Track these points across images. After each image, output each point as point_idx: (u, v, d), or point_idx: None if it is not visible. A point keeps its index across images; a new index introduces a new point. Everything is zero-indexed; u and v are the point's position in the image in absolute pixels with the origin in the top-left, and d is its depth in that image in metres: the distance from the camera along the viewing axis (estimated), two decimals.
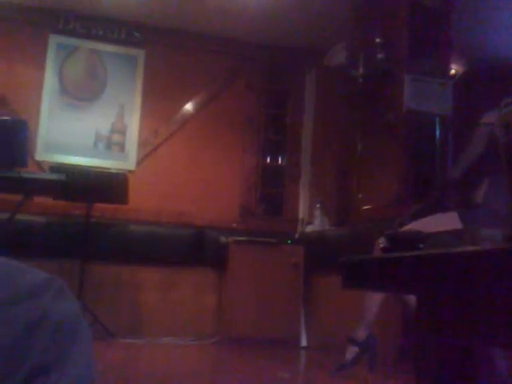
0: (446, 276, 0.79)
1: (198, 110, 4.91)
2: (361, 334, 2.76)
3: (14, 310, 0.51)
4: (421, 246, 0.84)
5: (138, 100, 4.75)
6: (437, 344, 0.84)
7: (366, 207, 4.23)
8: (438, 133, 3.88)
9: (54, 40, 4.63)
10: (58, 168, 4.01)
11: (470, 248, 0.80)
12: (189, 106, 4.91)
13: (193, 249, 4.56)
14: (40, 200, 4.09)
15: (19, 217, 3.71)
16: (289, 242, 4.53)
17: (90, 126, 4.63)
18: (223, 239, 4.42)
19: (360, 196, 4.34)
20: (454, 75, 4.28)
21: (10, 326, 0.50)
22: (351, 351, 2.76)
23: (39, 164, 4.44)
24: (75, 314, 0.55)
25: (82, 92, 4.67)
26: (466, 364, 0.81)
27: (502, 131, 0.71)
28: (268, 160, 5.11)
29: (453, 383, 0.80)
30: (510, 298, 0.74)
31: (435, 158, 3.87)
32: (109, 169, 4.55)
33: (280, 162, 5.14)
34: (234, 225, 4.77)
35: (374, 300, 2.69)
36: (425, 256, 0.85)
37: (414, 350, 0.85)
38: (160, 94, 4.80)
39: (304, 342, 4.31)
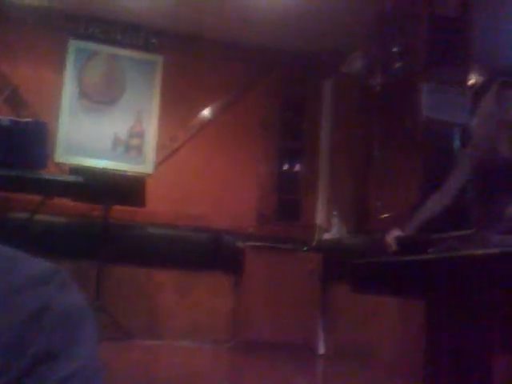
0: (454, 279, 0.79)
1: (216, 115, 4.95)
2: None
3: (17, 299, 0.50)
4: (430, 250, 0.85)
5: (155, 105, 4.81)
6: (447, 346, 0.84)
7: (383, 215, 4.21)
8: (456, 142, 3.86)
9: (73, 45, 4.72)
10: (77, 170, 4.07)
11: (480, 251, 0.81)
12: (206, 112, 4.95)
13: (209, 253, 4.58)
14: (60, 201, 4.15)
15: (39, 217, 3.77)
16: (304, 248, 4.52)
17: (108, 129, 4.70)
18: (240, 244, 4.44)
19: (378, 204, 4.33)
20: (473, 85, 4.25)
21: (13, 315, 0.49)
22: None
23: (59, 166, 4.51)
24: (79, 305, 0.54)
25: (101, 96, 4.75)
26: (478, 372, 0.81)
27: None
28: (286, 166, 5.12)
29: None
30: None
31: (453, 168, 3.84)
32: (127, 172, 4.60)
33: (297, 168, 5.14)
34: (251, 230, 4.78)
35: None
36: (434, 260, 0.86)
37: (424, 352, 0.85)
38: (178, 100, 4.84)
39: (322, 350, 4.29)
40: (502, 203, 2.10)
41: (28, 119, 3.57)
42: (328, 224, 4.86)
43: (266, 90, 5.05)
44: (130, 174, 4.57)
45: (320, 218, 5.03)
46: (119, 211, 4.25)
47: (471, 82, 3.93)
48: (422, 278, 0.79)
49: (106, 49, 4.79)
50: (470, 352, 0.82)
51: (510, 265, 0.70)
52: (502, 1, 4.01)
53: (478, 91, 4.21)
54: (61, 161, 4.55)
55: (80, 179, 3.57)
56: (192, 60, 4.89)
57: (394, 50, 3.87)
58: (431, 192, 3.74)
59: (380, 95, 4.24)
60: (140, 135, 4.77)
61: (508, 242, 0.77)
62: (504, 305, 0.76)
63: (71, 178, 3.68)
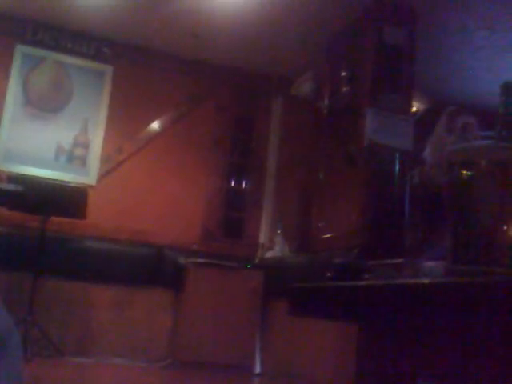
0: (387, 306, 0.81)
1: (165, 129, 4.91)
2: None
3: None
4: (366, 276, 0.87)
5: (103, 115, 4.72)
6: (376, 372, 0.86)
7: (326, 235, 4.28)
8: (397, 167, 3.98)
9: (20, 50, 4.58)
10: (15, 178, 3.93)
11: (411, 280, 0.83)
12: (155, 125, 4.90)
13: (150, 268, 4.50)
14: None
15: None
16: (248, 266, 4.52)
17: (52, 138, 4.57)
18: (182, 260, 4.38)
19: (320, 225, 4.40)
20: (416, 112, 4.42)
21: None
22: None
23: None
24: (6, 327, 0.53)
25: (47, 103, 4.62)
26: None
27: (444, 170, 0.74)
28: (232, 183, 5.13)
29: None
30: (450, 331, 0.77)
31: (394, 191, 3.96)
32: (69, 182, 4.48)
33: (244, 185, 5.16)
34: (195, 246, 4.74)
35: None
36: (367, 286, 0.87)
37: (354, 377, 0.86)
38: (126, 111, 4.78)
39: (258, 369, 4.28)
40: (435, 230, 2.19)
41: None
42: (271, 242, 4.89)
43: (215, 105, 5.06)
44: (71, 184, 4.44)
45: (264, 236, 5.05)
46: (58, 223, 4.12)
47: (414, 109, 4.08)
48: (356, 304, 0.80)
49: (54, 55, 4.67)
50: (396, 378, 0.84)
51: (437, 294, 0.72)
52: (447, 32, 4.20)
53: (421, 118, 4.38)
54: (0, 168, 4.38)
55: (18, 188, 3.44)
56: (142, 72, 4.85)
57: (343, 74, 3.98)
58: (372, 215, 3.85)
59: (327, 118, 4.33)
60: (85, 145, 4.66)
61: (436, 271, 0.79)
62: (432, 333, 0.78)
63: (9, 187, 3.55)
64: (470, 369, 0.71)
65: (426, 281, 0.78)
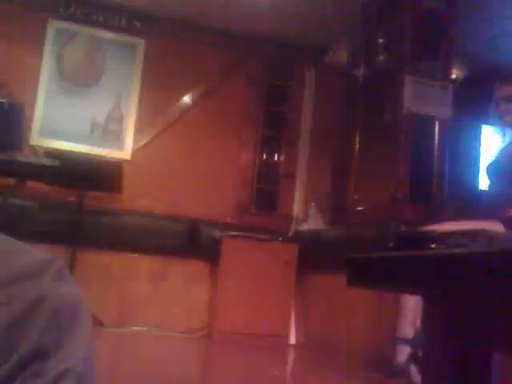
0: (454, 277, 0.77)
1: (197, 102, 4.88)
2: (408, 331, 2.58)
3: (12, 290, 0.49)
4: (432, 245, 0.83)
5: (135, 89, 4.71)
6: (444, 345, 0.82)
7: (361, 208, 4.22)
8: (436, 136, 3.88)
9: (53, 25, 4.58)
10: (52, 153, 3.97)
11: (482, 249, 0.79)
12: (187, 98, 4.87)
13: (186, 241, 4.53)
14: (33, 185, 4.04)
15: (12, 200, 3.67)
16: (280, 238, 4.52)
17: (86, 112, 4.59)
18: (217, 233, 4.40)
19: (356, 197, 4.34)
20: (455, 79, 4.27)
21: (8, 307, 0.48)
22: (402, 352, 2.59)
23: (34, 148, 4.39)
24: (75, 297, 0.53)
25: (80, 78, 4.63)
26: (478, 371, 0.80)
27: None
28: (264, 156, 5.09)
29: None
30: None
31: (432, 162, 3.87)
32: (104, 157, 4.51)
33: (276, 158, 5.12)
34: (229, 219, 4.75)
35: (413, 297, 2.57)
36: (434, 256, 0.83)
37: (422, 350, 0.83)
38: (158, 85, 4.75)
39: (293, 340, 4.31)
40: None
41: (4, 100, 3.46)
42: (305, 215, 4.86)
43: (248, 78, 5.00)
44: (106, 159, 4.47)
45: (297, 208, 5.02)
46: (95, 196, 4.17)
47: (454, 76, 3.95)
48: (424, 274, 0.76)
49: (87, 30, 4.66)
50: (468, 352, 0.80)
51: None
52: None
53: (460, 86, 4.24)
54: (36, 143, 4.43)
55: (55, 163, 3.48)
56: (174, 45, 4.80)
57: (379, 41, 3.86)
58: (410, 186, 3.77)
59: (363, 87, 4.23)
60: (119, 119, 4.67)
61: (511, 239, 0.75)
62: (507, 305, 0.74)
63: (46, 162, 3.59)
64: None
65: (502, 248, 0.73)
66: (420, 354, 2.46)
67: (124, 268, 4.38)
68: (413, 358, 2.52)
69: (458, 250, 0.73)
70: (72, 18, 4.61)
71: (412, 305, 2.56)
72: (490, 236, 0.76)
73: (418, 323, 2.55)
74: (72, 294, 0.53)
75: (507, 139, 2.78)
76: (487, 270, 0.71)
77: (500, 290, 0.72)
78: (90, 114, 4.59)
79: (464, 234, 0.76)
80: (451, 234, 0.79)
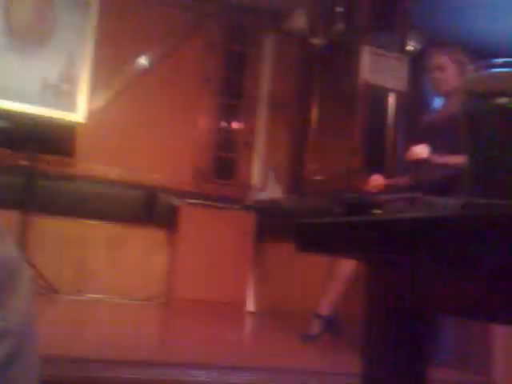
0: (397, 241, 0.80)
1: (153, 65, 4.76)
2: (325, 310, 2.87)
3: None
4: (376, 211, 0.86)
5: (89, 49, 4.52)
6: (386, 308, 0.86)
7: (317, 177, 4.28)
8: (391, 108, 3.95)
9: None
10: (1, 114, 3.80)
11: (423, 214, 0.82)
12: (143, 60, 4.75)
13: (143, 209, 4.50)
14: None
15: None
16: (238, 207, 4.54)
17: (37, 72, 4.36)
18: (175, 201, 4.38)
19: (313, 166, 4.39)
20: (412, 52, 4.33)
21: None
22: (316, 325, 2.87)
23: None
24: (12, 258, 0.52)
25: (30, 35, 4.40)
26: (414, 329, 0.84)
27: (464, 99, 0.72)
28: (223, 123, 5.05)
29: (401, 348, 0.83)
30: (460, 265, 0.76)
31: (387, 133, 3.94)
32: (56, 119, 4.35)
33: (235, 125, 5.10)
34: (187, 187, 4.73)
35: (340, 278, 2.78)
36: (378, 221, 0.86)
37: (363, 315, 0.87)
38: (114, 45, 4.58)
39: (251, 307, 4.38)
40: None
41: None
42: (263, 184, 4.89)
43: (205, 41, 4.91)
44: (58, 121, 4.31)
45: (256, 177, 5.04)
46: (48, 161, 4.06)
47: (409, 48, 4.00)
48: (367, 239, 0.79)
49: None
50: (410, 314, 0.84)
51: (452, 228, 0.71)
52: None
53: (416, 58, 4.30)
54: None
55: (3, 124, 3.35)
56: (130, 3, 4.64)
57: (338, 9, 3.86)
58: (365, 156, 3.85)
59: (321, 55, 4.24)
60: (71, 80, 4.50)
61: (451, 205, 0.79)
62: (446, 268, 0.77)
63: None
64: (484, 303, 0.71)
65: (441, 214, 0.76)
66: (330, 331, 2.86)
67: (80, 235, 4.31)
68: (322, 334, 2.86)
69: (398, 216, 0.76)
70: None
71: (339, 288, 2.80)
72: (430, 202, 0.79)
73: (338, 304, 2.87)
74: (9, 255, 0.52)
75: (437, 106, 2.93)
76: (425, 234, 0.74)
77: (436, 253, 0.76)
78: (41, 74, 4.40)
79: (406, 200, 0.80)
80: (395, 199, 0.83)
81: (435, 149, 2.47)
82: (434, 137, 2.55)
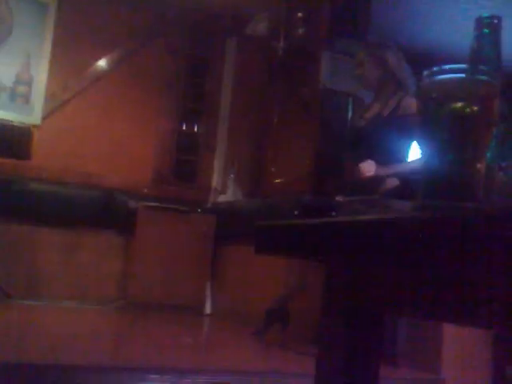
0: (355, 243, 0.81)
1: (113, 67, 4.69)
2: (275, 305, 3.05)
3: None
4: (333, 213, 0.86)
5: (46, 50, 4.43)
6: (343, 310, 0.87)
7: (278, 180, 4.30)
8: (350, 112, 4.00)
9: None
10: None
11: (380, 216, 0.83)
12: (102, 62, 4.68)
13: (100, 212, 4.41)
14: None
15: None
16: (199, 210, 4.51)
17: None
18: (133, 204, 4.32)
19: (273, 169, 4.41)
20: None
21: None
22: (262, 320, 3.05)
23: None
24: None
25: None
26: (370, 331, 0.84)
27: (419, 105, 0.73)
28: (184, 127, 5.02)
29: (359, 351, 0.84)
30: (417, 267, 0.77)
31: (346, 136, 3.99)
32: (11, 121, 4.24)
33: (196, 129, 5.07)
34: (146, 190, 4.67)
35: (295, 274, 2.84)
36: (335, 223, 0.87)
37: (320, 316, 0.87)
38: (72, 47, 4.50)
39: (208, 310, 4.35)
40: None
41: None
42: (224, 187, 4.87)
43: (167, 45, 4.86)
44: (14, 123, 4.21)
45: (216, 180, 5.03)
46: (1, 164, 3.95)
47: None
48: (323, 241, 0.79)
49: None
50: (363, 314, 0.85)
51: (407, 230, 0.72)
52: None
53: None
54: None
55: None
56: (89, 3, 4.56)
57: (299, 15, 3.89)
58: (324, 160, 3.88)
59: (282, 60, 4.26)
60: (28, 82, 4.40)
61: (407, 208, 0.80)
62: (401, 270, 0.78)
63: None
64: (438, 304, 0.72)
65: (396, 215, 0.77)
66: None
67: (34, 239, 4.19)
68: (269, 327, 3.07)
69: (354, 218, 0.77)
70: None
71: (293, 284, 2.95)
72: (385, 205, 0.80)
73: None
74: None
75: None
76: (380, 236, 0.75)
77: (391, 255, 0.76)
78: None
79: (362, 202, 0.80)
80: (350, 202, 0.83)
81: (368, 153, 2.58)
82: (366, 140, 2.64)
